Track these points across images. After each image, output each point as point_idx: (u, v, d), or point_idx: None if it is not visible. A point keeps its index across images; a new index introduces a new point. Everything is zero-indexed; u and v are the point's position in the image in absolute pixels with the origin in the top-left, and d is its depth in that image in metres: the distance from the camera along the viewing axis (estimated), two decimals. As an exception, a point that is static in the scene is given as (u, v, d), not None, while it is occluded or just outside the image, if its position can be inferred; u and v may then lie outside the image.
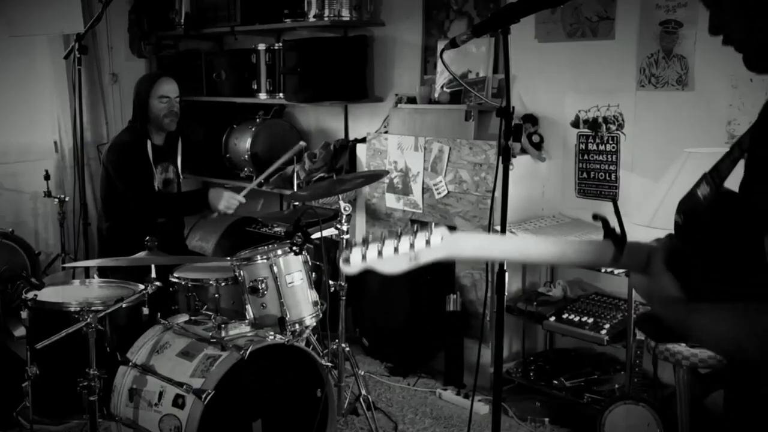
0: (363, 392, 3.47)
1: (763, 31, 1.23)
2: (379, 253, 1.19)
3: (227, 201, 3.76)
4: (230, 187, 3.98)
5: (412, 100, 4.43)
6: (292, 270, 3.14)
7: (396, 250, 1.20)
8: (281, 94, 4.94)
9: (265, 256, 3.10)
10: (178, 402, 2.64)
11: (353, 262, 1.19)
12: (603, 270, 3.34)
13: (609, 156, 3.81)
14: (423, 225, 1.23)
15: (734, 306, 1.18)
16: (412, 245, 1.21)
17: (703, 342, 1.28)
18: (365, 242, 1.19)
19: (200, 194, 3.90)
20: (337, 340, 3.52)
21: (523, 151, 3.98)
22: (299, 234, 2.98)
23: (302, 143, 4.13)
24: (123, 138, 3.89)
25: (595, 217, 1.35)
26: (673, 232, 1.35)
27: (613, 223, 1.36)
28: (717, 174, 1.28)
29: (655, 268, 1.31)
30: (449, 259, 1.27)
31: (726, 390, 1.38)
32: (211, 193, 3.79)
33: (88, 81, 5.51)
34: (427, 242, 1.21)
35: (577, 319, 3.51)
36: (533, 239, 1.34)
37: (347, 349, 3.54)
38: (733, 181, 1.27)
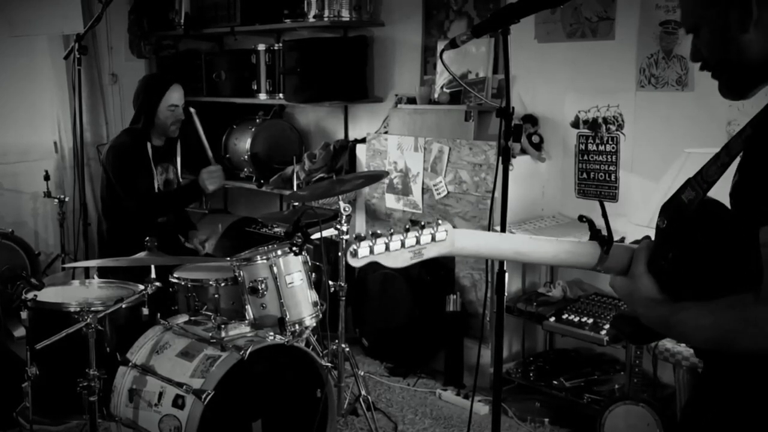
0: (363, 392, 3.47)
1: (732, 60, 1.28)
2: (386, 247, 1.22)
3: (209, 176, 3.81)
4: (229, 187, 3.99)
5: (411, 101, 4.43)
6: (292, 270, 3.13)
7: (403, 244, 1.23)
8: (281, 95, 4.94)
9: (264, 257, 3.10)
10: (178, 402, 2.64)
11: (361, 255, 1.21)
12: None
13: (609, 156, 3.81)
14: (429, 223, 1.26)
15: (721, 300, 1.20)
16: (417, 240, 1.23)
17: (687, 339, 1.32)
18: (374, 236, 1.21)
19: (193, 185, 3.90)
20: (336, 341, 3.52)
21: (523, 151, 3.98)
22: (299, 234, 2.98)
23: (191, 109, 3.95)
24: (122, 140, 3.88)
25: (581, 218, 1.38)
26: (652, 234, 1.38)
27: (601, 229, 1.38)
28: (702, 179, 1.31)
29: (637, 270, 1.34)
30: (451, 255, 1.29)
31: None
32: (200, 180, 3.83)
33: (88, 81, 5.51)
34: (432, 238, 1.24)
35: (576, 319, 3.51)
36: (529, 241, 1.36)
37: (347, 349, 3.54)
38: (719, 187, 1.29)
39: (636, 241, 1.39)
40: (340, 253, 3.50)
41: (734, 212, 1.25)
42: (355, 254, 1.21)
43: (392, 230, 1.23)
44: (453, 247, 1.27)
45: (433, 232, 1.24)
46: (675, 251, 1.30)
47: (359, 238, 1.21)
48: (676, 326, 1.27)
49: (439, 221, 1.26)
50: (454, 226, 1.27)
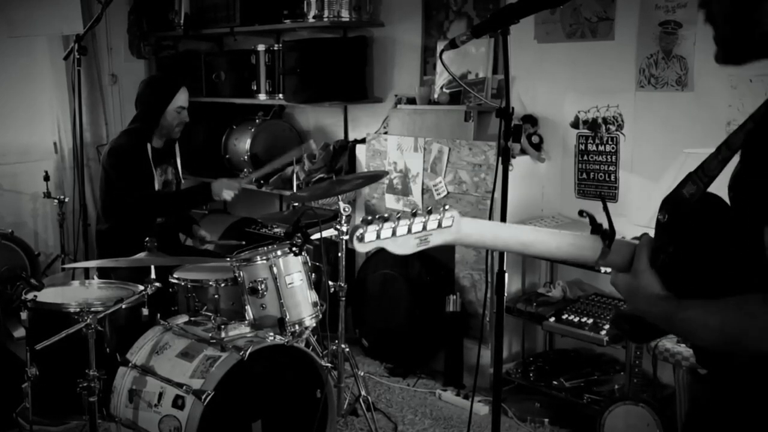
0: (363, 393, 3.47)
1: (736, 21, 1.27)
2: (393, 232, 1.18)
3: (228, 187, 3.88)
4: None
5: (411, 101, 4.43)
6: (292, 271, 3.13)
7: (409, 230, 1.19)
8: (281, 95, 4.94)
9: (264, 257, 3.10)
10: (178, 403, 2.64)
11: (368, 240, 1.17)
12: (603, 270, 3.34)
13: (608, 157, 3.81)
14: (435, 208, 1.23)
15: (728, 299, 1.18)
16: (424, 226, 1.20)
17: (693, 337, 1.29)
18: (382, 220, 1.17)
19: (202, 188, 3.92)
20: (336, 341, 3.52)
21: (523, 151, 3.98)
22: (299, 235, 2.98)
23: (307, 145, 4.11)
24: (123, 141, 3.87)
25: (582, 213, 1.37)
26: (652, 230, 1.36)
27: (603, 227, 1.36)
28: (704, 173, 1.29)
29: (640, 266, 1.32)
30: (456, 243, 1.26)
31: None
32: (214, 185, 3.87)
33: (88, 82, 5.51)
34: (439, 224, 1.21)
35: (576, 319, 3.51)
36: (533, 231, 1.34)
37: (347, 349, 3.54)
38: (721, 183, 1.29)
39: (636, 238, 1.38)
40: (340, 254, 3.49)
41: (733, 205, 1.23)
42: (361, 239, 1.16)
43: (399, 214, 1.19)
44: (459, 234, 1.24)
45: (440, 218, 1.21)
46: (676, 246, 1.29)
47: (366, 222, 1.16)
48: (681, 324, 1.25)
49: (446, 206, 1.23)
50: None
